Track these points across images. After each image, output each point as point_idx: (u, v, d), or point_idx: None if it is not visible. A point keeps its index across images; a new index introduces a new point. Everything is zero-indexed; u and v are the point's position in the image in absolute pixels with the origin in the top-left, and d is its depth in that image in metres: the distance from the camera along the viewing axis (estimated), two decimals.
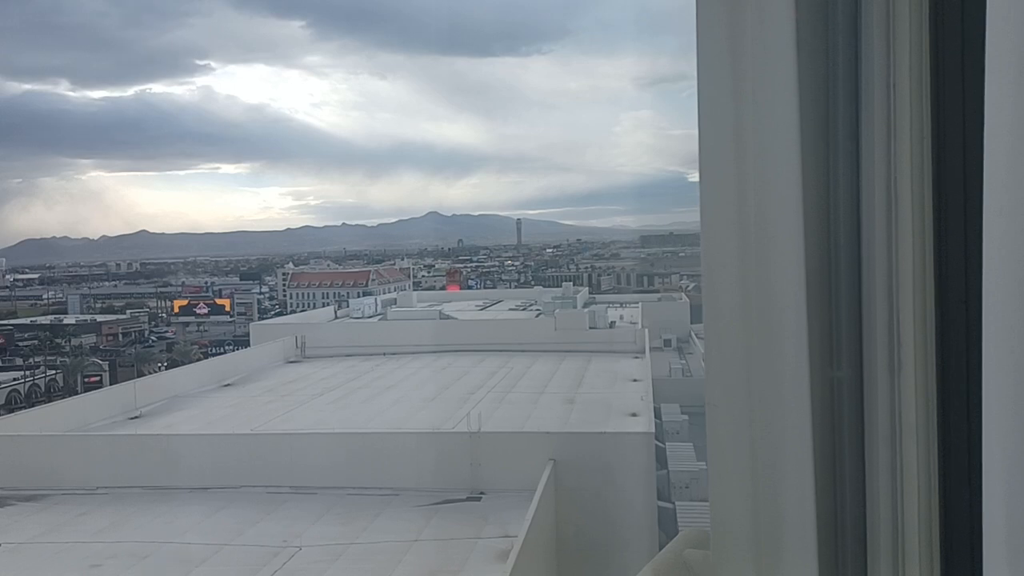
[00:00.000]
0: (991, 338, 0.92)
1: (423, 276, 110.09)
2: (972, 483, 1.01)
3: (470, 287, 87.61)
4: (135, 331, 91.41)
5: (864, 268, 1.26)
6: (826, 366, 1.32)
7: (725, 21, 1.33)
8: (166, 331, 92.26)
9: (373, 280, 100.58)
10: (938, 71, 1.20)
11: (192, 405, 23.33)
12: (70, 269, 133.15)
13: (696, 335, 40.91)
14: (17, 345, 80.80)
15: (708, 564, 1.47)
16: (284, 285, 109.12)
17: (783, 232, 1.32)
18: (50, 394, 60.76)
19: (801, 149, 1.29)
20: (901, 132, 1.22)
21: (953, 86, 1.18)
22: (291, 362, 31.12)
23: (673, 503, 18.50)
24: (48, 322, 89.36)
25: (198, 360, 53.64)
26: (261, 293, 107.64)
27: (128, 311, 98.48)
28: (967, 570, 1.19)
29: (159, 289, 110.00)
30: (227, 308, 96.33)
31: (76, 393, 51.16)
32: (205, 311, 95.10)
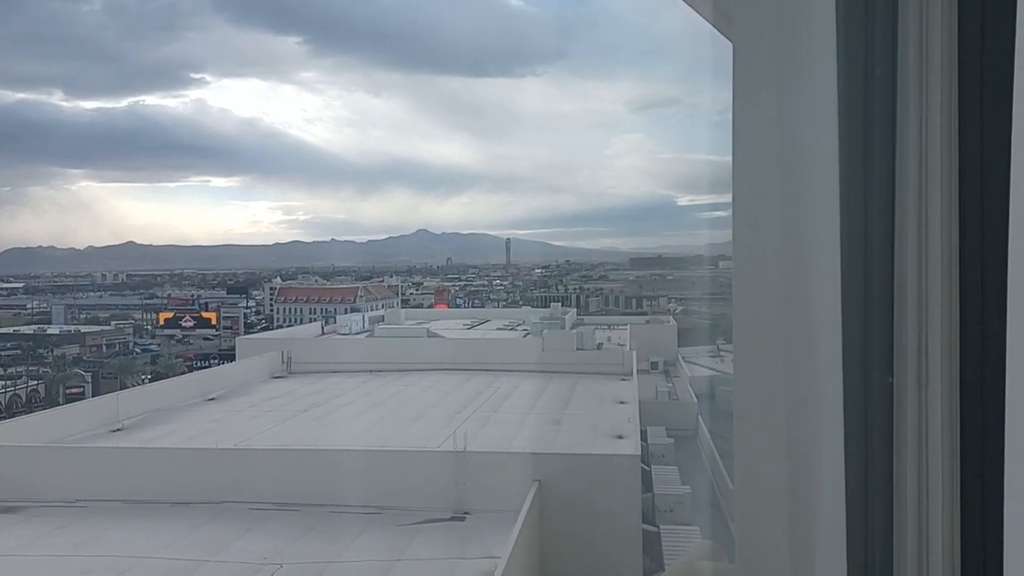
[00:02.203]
0: (1015, 356, 0.97)
1: (411, 294, 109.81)
2: (994, 498, 1.05)
3: (458, 306, 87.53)
4: (119, 343, 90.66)
5: (896, 288, 1.31)
6: (859, 380, 1.34)
7: (768, 49, 1.36)
8: (151, 343, 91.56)
9: (361, 297, 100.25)
10: (965, 106, 1.24)
11: (175, 419, 23.14)
12: (55, 279, 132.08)
13: (684, 358, 40.94)
14: None
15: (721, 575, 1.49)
16: (271, 300, 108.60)
17: (820, 251, 1.36)
18: (31, 405, 60.12)
19: (840, 173, 1.33)
20: (932, 165, 1.27)
21: (978, 121, 1.23)
22: (276, 377, 30.96)
23: (658, 526, 18.45)
24: (31, 332, 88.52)
25: (182, 373, 53.24)
26: (248, 307, 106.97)
27: (113, 322, 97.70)
28: None
29: (145, 301, 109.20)
30: (213, 322, 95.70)
31: (58, 404, 50.64)
32: (191, 324, 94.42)
